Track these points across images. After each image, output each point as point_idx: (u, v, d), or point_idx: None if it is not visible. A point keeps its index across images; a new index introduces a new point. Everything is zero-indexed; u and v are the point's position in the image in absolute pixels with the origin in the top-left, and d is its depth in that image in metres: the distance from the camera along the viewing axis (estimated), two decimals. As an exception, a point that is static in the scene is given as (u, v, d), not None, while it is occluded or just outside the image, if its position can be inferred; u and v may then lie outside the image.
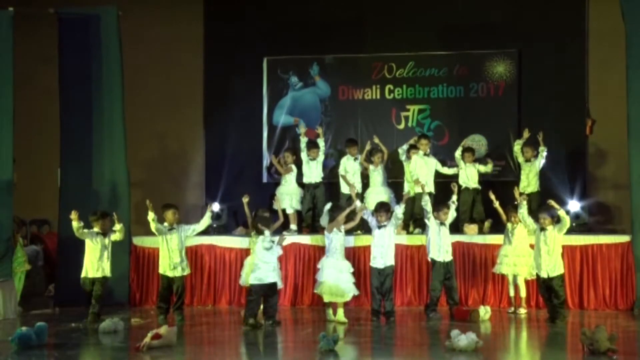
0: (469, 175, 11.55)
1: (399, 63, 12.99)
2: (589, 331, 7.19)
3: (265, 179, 13.29)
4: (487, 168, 11.82)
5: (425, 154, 11.50)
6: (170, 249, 9.42)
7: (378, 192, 11.35)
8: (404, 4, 12.95)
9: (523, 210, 9.42)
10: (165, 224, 9.48)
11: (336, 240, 9.39)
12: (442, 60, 12.93)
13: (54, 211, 11.36)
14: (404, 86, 13.01)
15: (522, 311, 9.78)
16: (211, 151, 13.51)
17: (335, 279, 9.29)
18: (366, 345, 8.11)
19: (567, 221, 9.24)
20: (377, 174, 11.56)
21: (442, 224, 9.61)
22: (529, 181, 11.51)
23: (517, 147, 11.71)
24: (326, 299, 9.38)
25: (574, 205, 11.78)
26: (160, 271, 9.50)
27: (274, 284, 9.05)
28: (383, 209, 9.55)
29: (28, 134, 12.19)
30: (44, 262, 12.24)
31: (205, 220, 9.66)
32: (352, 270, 9.50)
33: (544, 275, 9.20)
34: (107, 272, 9.70)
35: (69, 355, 7.24)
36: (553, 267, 9.19)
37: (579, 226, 11.47)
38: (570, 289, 10.27)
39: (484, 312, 9.42)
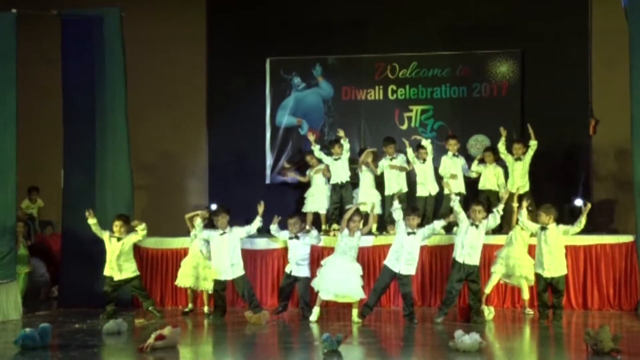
0: (490, 176, 11.31)
1: (402, 63, 13.00)
2: (593, 331, 7.17)
3: (268, 180, 13.30)
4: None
5: (454, 155, 11.39)
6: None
7: (367, 194, 11.31)
8: (407, 4, 12.95)
9: (523, 217, 9.29)
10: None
11: (344, 242, 9.32)
12: (445, 61, 12.93)
13: (57, 212, 11.38)
14: (407, 86, 13.02)
15: (530, 311, 9.72)
16: (214, 152, 13.53)
17: (336, 278, 9.21)
18: (369, 345, 8.09)
19: (579, 228, 9.22)
20: (366, 175, 11.52)
21: (473, 224, 9.22)
22: (522, 181, 11.07)
23: (502, 147, 11.17)
24: (322, 295, 9.30)
25: (580, 202, 11.74)
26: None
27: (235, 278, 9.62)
28: (415, 213, 9.33)
29: (31, 135, 12.19)
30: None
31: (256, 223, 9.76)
32: (361, 273, 9.39)
33: (547, 275, 9.14)
34: (124, 275, 9.81)
35: (72, 356, 7.24)
36: (557, 266, 9.14)
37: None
38: (573, 289, 10.26)
39: (488, 312, 9.40)
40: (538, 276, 9.25)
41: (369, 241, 10.51)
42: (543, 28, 12.56)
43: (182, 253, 10.91)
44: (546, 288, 9.21)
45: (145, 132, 12.78)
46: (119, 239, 9.82)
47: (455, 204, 9.36)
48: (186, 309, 10.23)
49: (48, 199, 12.97)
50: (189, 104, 13.54)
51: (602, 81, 12.45)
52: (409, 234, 9.19)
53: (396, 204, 9.46)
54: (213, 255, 9.75)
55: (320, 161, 11.68)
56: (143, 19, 12.74)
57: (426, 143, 11.35)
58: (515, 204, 9.57)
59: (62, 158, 11.04)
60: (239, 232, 9.73)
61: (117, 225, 9.84)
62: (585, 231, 11.03)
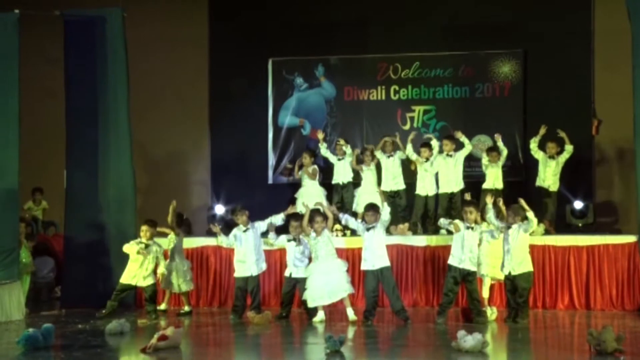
0: (494, 175, 11.34)
1: (404, 64, 13.01)
2: (596, 332, 7.16)
3: (270, 180, 13.31)
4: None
5: (447, 155, 11.36)
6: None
7: (370, 192, 11.31)
8: (409, 4, 12.97)
9: (490, 214, 9.15)
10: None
11: (314, 244, 9.30)
12: (447, 61, 12.94)
13: (60, 213, 11.39)
14: (410, 87, 13.03)
15: (495, 311, 9.50)
16: (217, 152, 13.55)
17: (319, 283, 9.18)
18: (372, 346, 8.09)
19: (533, 223, 9.08)
20: (369, 174, 11.52)
21: (469, 227, 9.11)
22: (554, 179, 11.29)
23: (533, 144, 11.38)
24: (309, 304, 9.31)
25: (580, 205, 11.76)
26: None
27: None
28: (372, 210, 9.32)
29: (34, 135, 12.20)
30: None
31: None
32: (345, 268, 9.38)
33: (506, 272, 9.07)
34: (146, 282, 9.83)
35: (75, 356, 7.24)
36: (516, 264, 9.02)
37: (585, 226, 11.43)
38: (576, 289, 10.25)
39: (490, 312, 9.39)
40: (505, 276, 9.16)
41: (342, 242, 10.48)
42: (545, 28, 12.56)
43: (185, 254, 10.93)
44: (512, 288, 9.12)
45: (147, 133, 12.79)
46: (146, 246, 9.81)
47: (444, 223, 9.40)
48: (182, 310, 10.25)
49: (51, 199, 12.97)
50: (192, 104, 13.56)
51: (604, 81, 12.44)
52: (367, 229, 9.20)
53: (342, 217, 9.46)
54: (238, 253, 9.75)
55: (313, 162, 11.73)
56: (145, 20, 12.77)
57: (434, 144, 11.38)
58: (489, 201, 9.53)
59: (65, 158, 11.04)
60: (261, 226, 9.75)
61: (143, 230, 9.84)
62: (588, 231, 11.09)
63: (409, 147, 11.47)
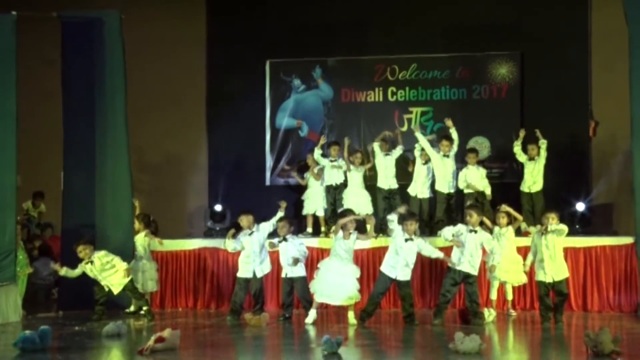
0: (472, 177, 11.40)
1: (401, 65, 13.01)
2: (593, 333, 7.16)
3: (268, 182, 13.31)
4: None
5: (445, 155, 11.37)
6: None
7: (357, 194, 11.31)
8: (407, 6, 12.97)
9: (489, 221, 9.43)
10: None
11: (339, 244, 9.29)
12: (444, 62, 12.95)
13: (57, 214, 11.38)
14: (407, 88, 13.03)
15: (493, 313, 9.56)
16: (214, 154, 13.54)
17: (332, 281, 9.18)
18: (370, 347, 8.09)
19: (564, 229, 9.15)
20: (357, 175, 11.50)
21: (471, 230, 9.11)
22: (534, 179, 11.30)
23: (516, 148, 11.42)
24: (317, 298, 9.33)
25: (578, 207, 11.76)
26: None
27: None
28: (413, 218, 9.18)
29: (31, 137, 12.18)
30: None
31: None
32: (357, 275, 9.36)
33: (549, 280, 9.10)
34: (120, 288, 9.77)
35: (72, 358, 7.24)
36: (558, 271, 9.11)
37: (583, 228, 11.44)
38: (573, 291, 10.25)
39: (488, 314, 9.40)
40: (540, 282, 9.19)
41: (366, 243, 10.41)
42: (543, 30, 12.57)
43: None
44: (547, 292, 9.17)
45: (145, 135, 12.78)
46: (92, 262, 9.77)
47: (446, 235, 9.29)
48: (128, 310, 10.29)
49: (48, 201, 12.97)
50: (189, 106, 13.54)
51: (601, 83, 12.46)
52: (406, 240, 9.11)
53: (391, 217, 9.33)
54: (243, 255, 9.74)
55: (317, 163, 11.71)
56: (143, 22, 12.74)
57: (427, 146, 11.35)
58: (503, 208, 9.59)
59: (62, 160, 11.03)
60: (266, 227, 9.75)
61: (80, 250, 9.76)
62: (585, 233, 11.09)
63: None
